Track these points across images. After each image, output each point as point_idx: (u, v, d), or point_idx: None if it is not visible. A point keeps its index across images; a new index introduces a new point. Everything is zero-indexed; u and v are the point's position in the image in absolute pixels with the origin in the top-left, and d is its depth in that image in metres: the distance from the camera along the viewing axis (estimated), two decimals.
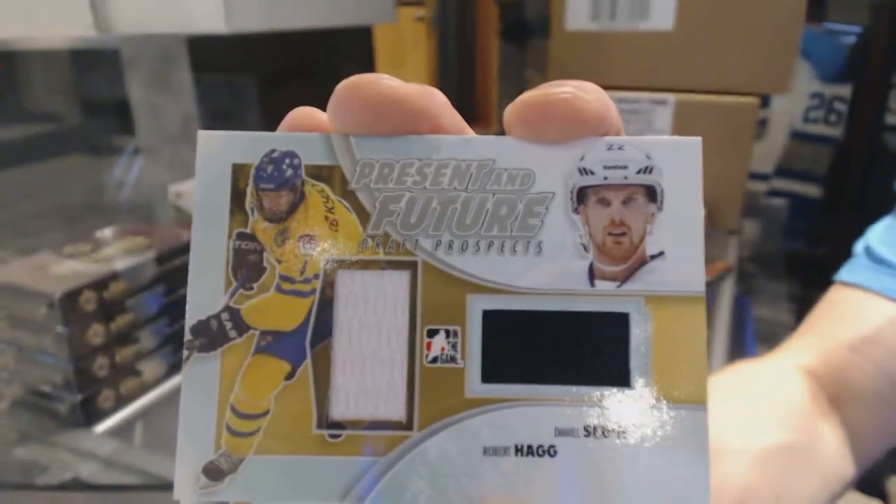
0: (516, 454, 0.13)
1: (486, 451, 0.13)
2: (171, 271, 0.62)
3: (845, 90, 1.36)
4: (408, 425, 0.13)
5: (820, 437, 0.33)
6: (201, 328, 0.14)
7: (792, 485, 0.31)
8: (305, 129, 0.14)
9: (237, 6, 0.56)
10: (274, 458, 0.13)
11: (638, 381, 0.13)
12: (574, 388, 0.13)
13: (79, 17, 0.59)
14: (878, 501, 0.74)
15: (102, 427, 0.57)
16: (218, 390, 0.14)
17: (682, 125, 0.93)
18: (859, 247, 0.39)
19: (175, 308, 0.63)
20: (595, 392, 0.13)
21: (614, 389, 0.13)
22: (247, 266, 0.14)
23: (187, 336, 0.14)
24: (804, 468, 0.32)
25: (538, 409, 0.13)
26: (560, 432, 0.13)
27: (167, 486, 0.50)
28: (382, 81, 0.13)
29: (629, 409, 0.13)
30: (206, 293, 0.14)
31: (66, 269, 0.57)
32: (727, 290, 0.82)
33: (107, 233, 0.66)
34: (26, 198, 0.98)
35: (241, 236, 0.14)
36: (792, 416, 0.33)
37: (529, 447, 0.13)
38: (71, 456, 0.53)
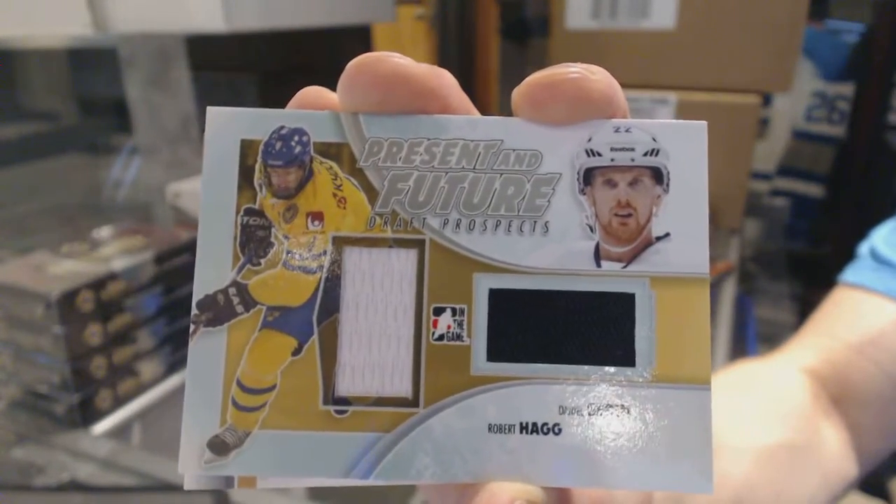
0: (521, 432, 0.13)
1: (491, 428, 0.13)
2: (170, 271, 0.62)
3: (848, 89, 1.36)
4: (414, 402, 0.13)
5: (821, 436, 0.33)
6: (208, 302, 0.14)
7: (792, 483, 0.31)
8: (314, 107, 0.14)
9: (236, 5, 0.56)
10: (279, 433, 0.13)
11: (642, 361, 0.13)
12: (579, 368, 0.13)
13: (77, 16, 0.59)
14: (881, 502, 0.74)
15: (100, 428, 0.56)
16: (224, 365, 0.14)
17: None
18: (864, 248, 0.39)
19: (173, 308, 0.62)
20: (600, 371, 0.13)
21: (619, 369, 0.13)
22: (255, 242, 0.14)
23: (194, 310, 0.14)
24: (804, 467, 0.32)
25: (543, 388, 0.13)
26: (564, 411, 0.13)
27: (165, 487, 0.50)
28: (393, 59, 0.13)
29: (633, 389, 0.13)
30: (213, 268, 0.14)
31: (64, 268, 0.57)
32: (729, 289, 0.82)
33: (104, 232, 0.65)
34: (23, 197, 0.98)
35: (249, 212, 0.14)
36: (793, 416, 0.33)
37: (534, 425, 0.13)
38: (68, 457, 0.53)
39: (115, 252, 0.61)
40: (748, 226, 1.16)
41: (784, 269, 1.24)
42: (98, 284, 0.55)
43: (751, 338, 0.93)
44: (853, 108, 1.35)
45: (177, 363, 0.63)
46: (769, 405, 0.33)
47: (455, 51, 1.22)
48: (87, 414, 0.56)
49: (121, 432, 0.57)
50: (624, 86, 0.14)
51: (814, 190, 1.42)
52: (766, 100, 1.27)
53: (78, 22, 0.59)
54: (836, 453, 0.33)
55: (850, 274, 0.38)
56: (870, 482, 0.76)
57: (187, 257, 0.64)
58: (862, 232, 0.41)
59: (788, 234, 1.41)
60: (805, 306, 1.18)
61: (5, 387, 0.58)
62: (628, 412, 0.13)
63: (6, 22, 0.63)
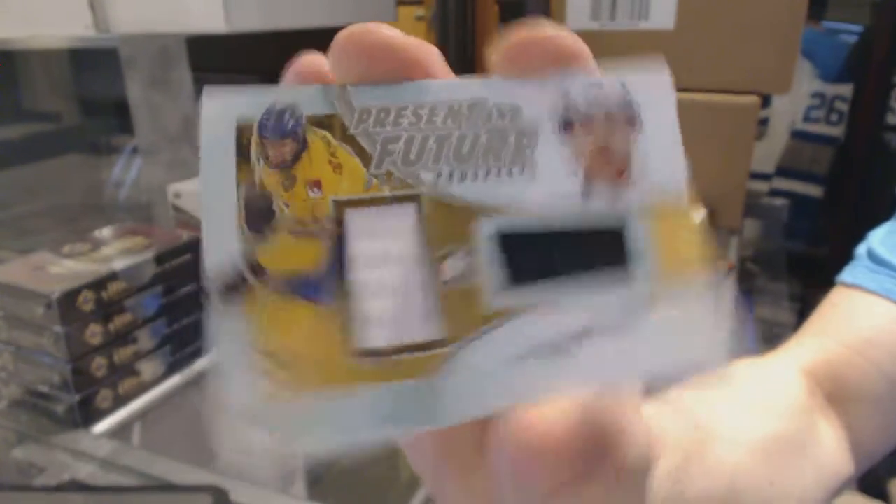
0: (538, 358, 0.14)
1: (510, 358, 0.14)
2: (170, 271, 0.62)
3: (846, 89, 1.36)
4: (434, 345, 0.14)
5: (816, 432, 0.33)
6: (220, 277, 0.14)
7: (786, 473, 0.31)
8: (309, 75, 0.15)
9: (236, 6, 0.56)
10: (308, 394, 0.14)
11: (641, 282, 0.14)
12: (584, 294, 0.14)
13: (78, 17, 0.59)
14: (880, 503, 0.74)
15: (100, 427, 0.56)
16: (244, 333, 0.14)
17: (682, 124, 0.93)
18: (861, 249, 0.39)
19: (174, 308, 0.63)
20: (603, 294, 0.14)
21: (620, 290, 0.14)
22: (257, 213, 0.14)
23: (208, 286, 0.14)
24: (799, 459, 0.32)
25: (552, 317, 0.14)
26: (576, 335, 0.14)
27: (166, 487, 0.50)
28: (381, 30, 0.14)
29: (637, 306, 0.14)
30: (220, 243, 0.14)
31: (65, 268, 0.57)
32: (728, 289, 0.82)
33: (105, 232, 0.66)
34: (25, 197, 0.98)
35: (249, 185, 0.14)
36: (789, 411, 0.33)
37: (550, 348, 0.14)
38: (69, 457, 0.53)
39: (115, 252, 0.61)
40: (747, 226, 1.16)
41: (783, 268, 1.24)
42: (99, 284, 0.56)
43: (750, 338, 0.93)
44: (851, 108, 1.35)
45: (177, 363, 0.64)
46: (765, 401, 0.33)
47: (455, 51, 1.22)
48: (87, 414, 0.56)
49: (121, 432, 0.57)
50: None
51: (813, 190, 1.42)
52: (765, 100, 1.27)
53: (79, 23, 0.59)
54: (831, 450, 0.34)
55: (847, 275, 0.38)
56: (869, 483, 0.76)
57: (188, 257, 0.64)
58: (860, 232, 0.41)
59: (787, 234, 1.41)
60: (804, 306, 1.18)
61: (6, 386, 0.58)
62: (635, 327, 0.14)
63: (8, 23, 0.63)
